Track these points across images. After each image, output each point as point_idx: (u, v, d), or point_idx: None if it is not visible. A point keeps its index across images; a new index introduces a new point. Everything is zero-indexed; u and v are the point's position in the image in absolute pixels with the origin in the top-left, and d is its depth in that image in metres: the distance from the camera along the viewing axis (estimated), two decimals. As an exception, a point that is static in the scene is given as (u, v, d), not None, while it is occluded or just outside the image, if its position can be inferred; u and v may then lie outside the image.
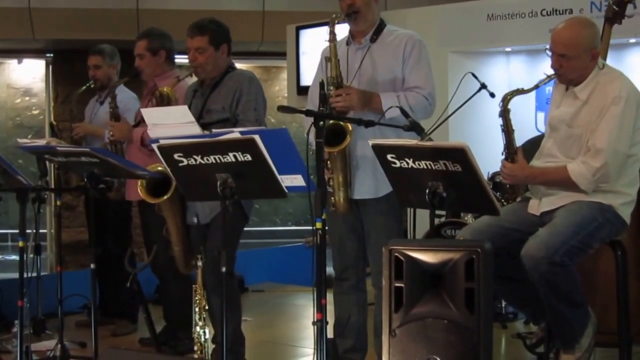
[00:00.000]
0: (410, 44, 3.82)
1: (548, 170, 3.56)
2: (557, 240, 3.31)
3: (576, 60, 3.47)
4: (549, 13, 6.09)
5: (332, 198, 3.76)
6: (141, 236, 5.12)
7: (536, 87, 3.66)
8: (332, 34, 3.73)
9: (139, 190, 4.12)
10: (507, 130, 3.68)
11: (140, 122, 4.75)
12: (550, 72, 3.58)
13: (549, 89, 6.51)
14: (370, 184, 3.77)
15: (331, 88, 3.69)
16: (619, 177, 3.48)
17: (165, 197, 4.03)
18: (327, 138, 3.56)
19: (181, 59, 4.85)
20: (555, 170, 3.53)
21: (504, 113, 3.68)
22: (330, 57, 3.73)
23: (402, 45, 3.82)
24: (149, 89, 4.87)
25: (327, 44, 3.75)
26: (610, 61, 3.68)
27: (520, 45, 6.50)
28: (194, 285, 3.66)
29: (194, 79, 4.35)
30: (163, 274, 4.89)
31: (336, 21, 3.74)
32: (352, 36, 3.91)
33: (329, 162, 3.70)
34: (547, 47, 3.56)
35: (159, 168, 3.96)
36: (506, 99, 3.67)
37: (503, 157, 3.66)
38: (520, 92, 3.68)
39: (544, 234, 3.37)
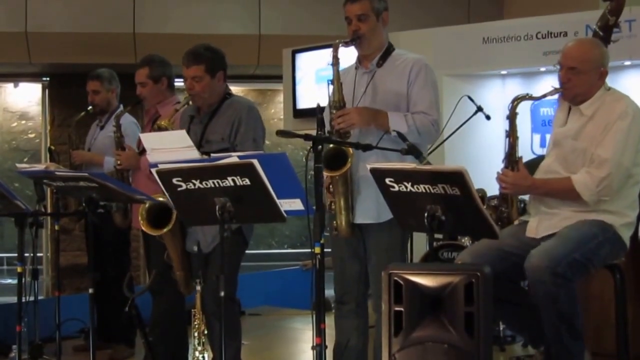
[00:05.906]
0: (416, 68, 3.79)
1: (551, 180, 3.56)
2: (560, 252, 3.32)
3: (585, 75, 3.52)
4: (544, 36, 6.13)
5: (334, 222, 3.75)
6: (139, 260, 5.09)
7: (543, 96, 3.66)
8: (336, 58, 3.72)
9: (140, 223, 4.09)
10: (512, 135, 3.69)
11: (145, 149, 4.73)
12: (557, 86, 3.60)
13: (544, 110, 6.52)
14: (373, 208, 3.74)
15: (334, 111, 3.70)
16: (620, 198, 3.50)
17: (166, 229, 4.00)
18: (328, 162, 3.57)
19: (178, 83, 4.85)
20: (558, 181, 3.53)
21: (512, 116, 3.69)
22: (333, 81, 3.73)
23: (407, 69, 3.79)
24: (150, 115, 4.85)
25: (331, 67, 3.74)
26: (604, 82, 3.71)
27: (516, 68, 6.52)
28: (192, 310, 3.65)
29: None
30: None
31: (340, 45, 3.74)
32: (360, 60, 3.91)
33: (330, 186, 3.69)
34: (556, 62, 3.59)
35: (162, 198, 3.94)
36: (515, 102, 3.68)
37: (503, 165, 3.65)
38: (528, 97, 3.70)
39: (548, 245, 3.38)
